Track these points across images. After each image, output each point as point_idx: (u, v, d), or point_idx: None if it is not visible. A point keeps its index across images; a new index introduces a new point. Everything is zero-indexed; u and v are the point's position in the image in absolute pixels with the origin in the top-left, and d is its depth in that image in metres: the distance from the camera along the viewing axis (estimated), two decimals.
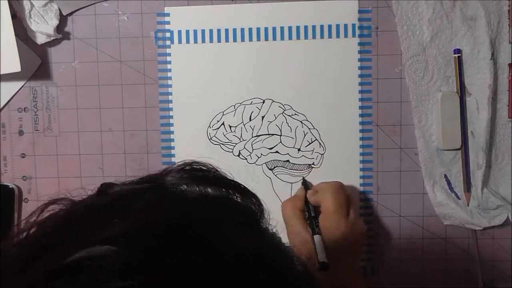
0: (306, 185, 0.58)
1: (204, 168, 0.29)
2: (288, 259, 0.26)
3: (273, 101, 0.59)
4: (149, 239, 0.22)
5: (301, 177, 0.59)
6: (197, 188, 0.28)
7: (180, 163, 0.29)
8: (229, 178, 0.30)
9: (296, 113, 0.59)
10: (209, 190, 0.28)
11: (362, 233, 0.53)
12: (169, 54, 0.59)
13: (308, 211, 0.53)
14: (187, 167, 0.29)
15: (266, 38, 0.58)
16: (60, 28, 0.58)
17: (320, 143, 0.59)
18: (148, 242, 0.21)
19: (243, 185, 0.29)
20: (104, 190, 0.27)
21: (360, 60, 0.58)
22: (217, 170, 0.30)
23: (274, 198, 0.59)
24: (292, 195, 0.59)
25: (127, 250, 0.21)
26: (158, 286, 0.20)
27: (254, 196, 0.29)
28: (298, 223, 0.52)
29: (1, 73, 0.55)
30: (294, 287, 0.24)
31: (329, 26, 0.58)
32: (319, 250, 0.48)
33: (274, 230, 0.28)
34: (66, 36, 0.59)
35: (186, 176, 0.28)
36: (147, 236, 0.22)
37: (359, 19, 0.58)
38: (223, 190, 0.28)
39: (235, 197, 0.28)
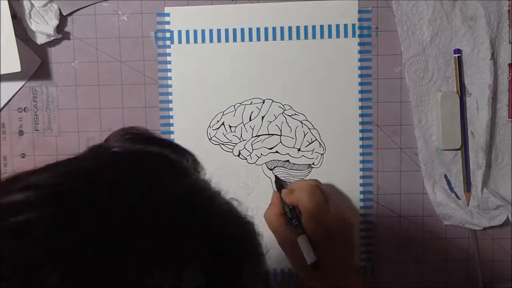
0: (280, 184, 0.56)
1: (135, 130, 0.32)
2: (211, 202, 0.27)
3: (273, 101, 0.59)
4: (64, 185, 0.24)
5: (301, 177, 0.59)
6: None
7: (118, 129, 0.32)
8: (160, 137, 0.32)
9: (296, 113, 0.59)
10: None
11: (348, 225, 0.51)
12: (169, 54, 0.59)
13: (287, 212, 0.51)
14: (121, 132, 0.31)
15: (266, 38, 0.58)
16: (60, 28, 0.58)
17: (320, 143, 0.59)
18: (62, 186, 0.24)
19: (175, 143, 0.32)
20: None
21: (360, 60, 0.58)
22: (149, 131, 0.32)
23: None
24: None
25: (37, 191, 0.23)
26: (58, 217, 0.22)
27: (186, 151, 0.31)
28: (284, 229, 0.51)
29: (1, 73, 0.55)
30: (215, 221, 0.26)
31: (329, 26, 0.58)
32: (305, 250, 0.47)
33: (206, 178, 0.30)
34: (66, 36, 0.59)
35: (120, 139, 0.30)
36: (62, 182, 0.24)
37: (359, 19, 0.58)
38: (155, 146, 0.30)
39: (167, 151, 0.31)
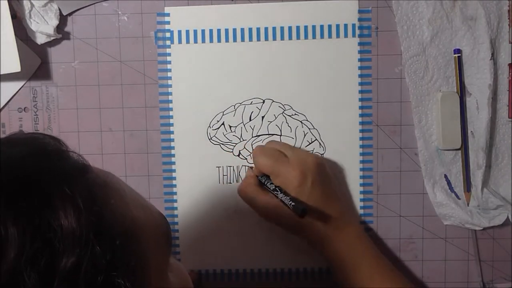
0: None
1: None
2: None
3: (273, 101, 0.59)
4: None
5: None
6: None
7: None
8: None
9: (296, 113, 0.59)
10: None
11: (315, 163, 0.52)
12: (169, 54, 0.59)
13: (260, 179, 0.54)
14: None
15: (266, 38, 0.58)
16: (60, 28, 0.58)
17: (320, 143, 0.59)
18: None
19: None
20: None
21: (360, 60, 0.58)
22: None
23: None
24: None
25: None
26: None
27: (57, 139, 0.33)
28: (262, 196, 0.53)
29: (1, 73, 0.55)
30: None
31: (329, 26, 0.58)
32: (288, 201, 0.48)
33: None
34: (66, 36, 0.59)
35: None
36: None
37: (359, 19, 0.58)
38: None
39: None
